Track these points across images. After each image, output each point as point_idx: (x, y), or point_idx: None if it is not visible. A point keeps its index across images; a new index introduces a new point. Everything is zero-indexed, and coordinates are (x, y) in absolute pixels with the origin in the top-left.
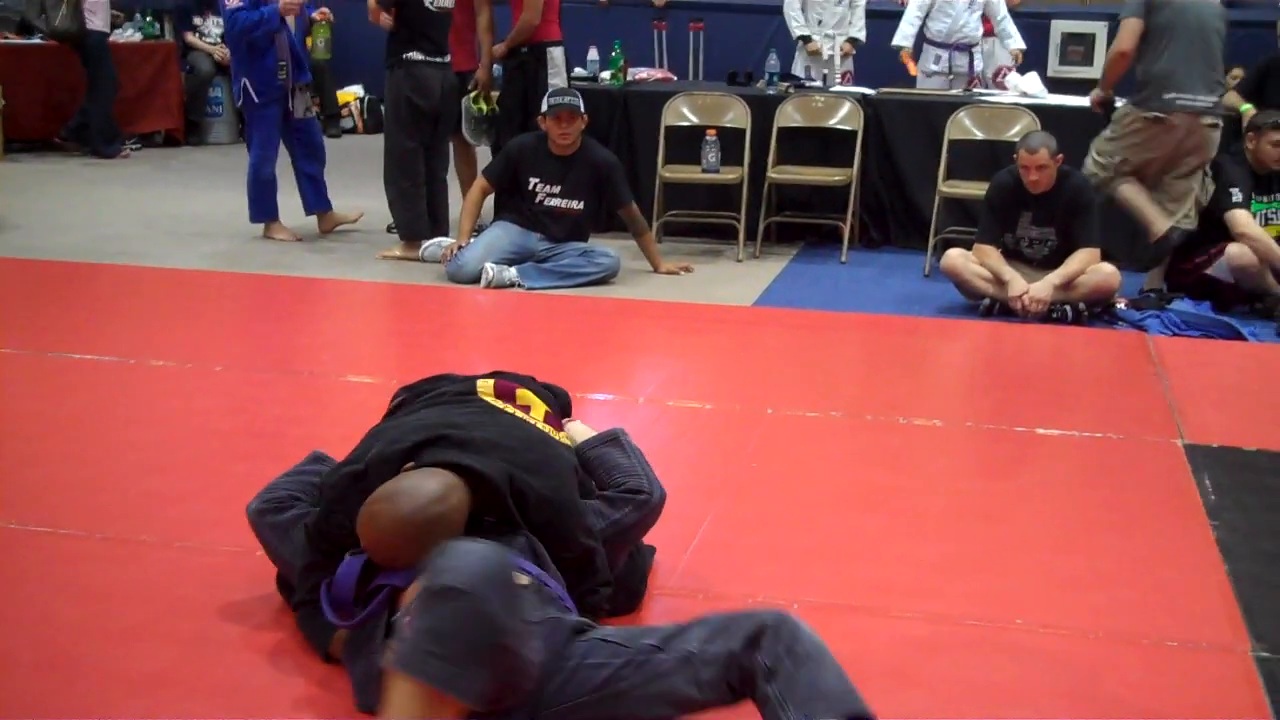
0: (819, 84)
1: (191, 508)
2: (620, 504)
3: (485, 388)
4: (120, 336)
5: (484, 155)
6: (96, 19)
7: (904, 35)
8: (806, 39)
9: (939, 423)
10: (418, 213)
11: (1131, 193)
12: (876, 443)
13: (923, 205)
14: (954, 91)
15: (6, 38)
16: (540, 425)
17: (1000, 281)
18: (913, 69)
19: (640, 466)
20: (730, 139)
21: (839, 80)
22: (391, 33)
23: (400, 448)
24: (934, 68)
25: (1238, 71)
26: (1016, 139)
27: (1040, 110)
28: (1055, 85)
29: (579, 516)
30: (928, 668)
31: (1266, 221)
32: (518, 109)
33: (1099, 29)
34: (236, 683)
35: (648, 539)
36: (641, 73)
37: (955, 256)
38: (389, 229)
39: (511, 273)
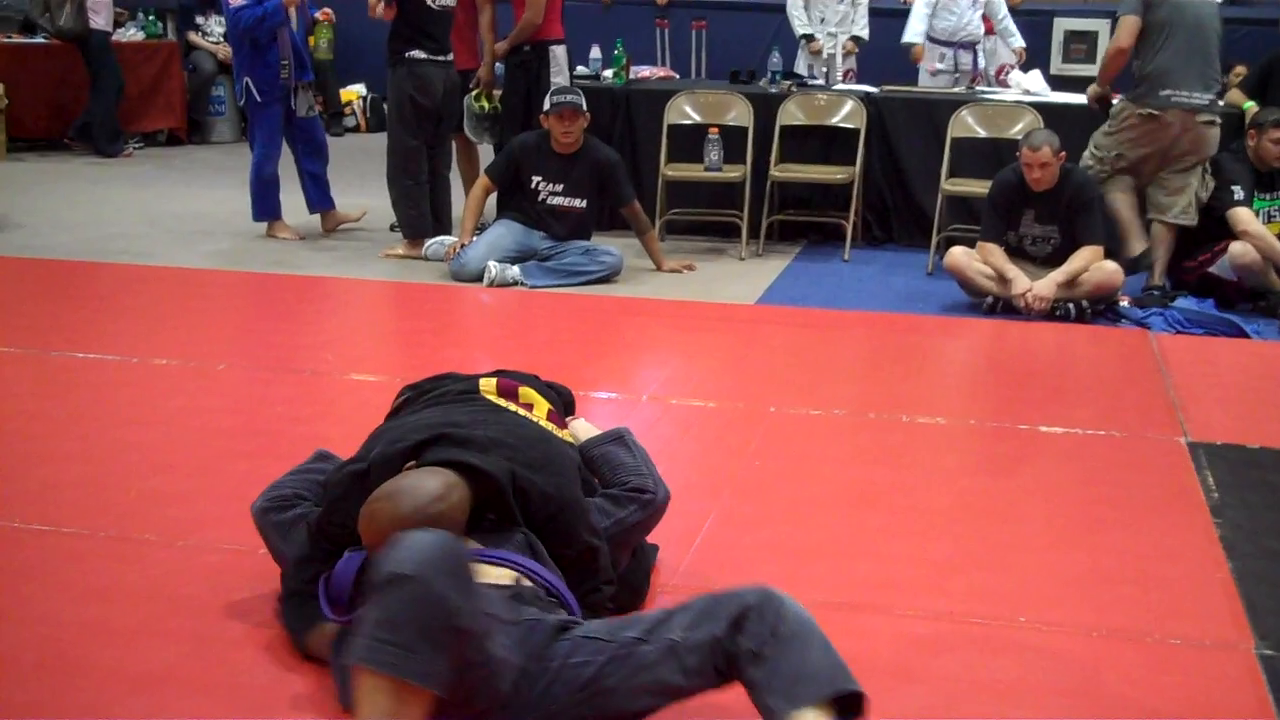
0: (821, 82)
1: (194, 506)
2: (625, 502)
3: (488, 386)
4: (123, 335)
5: (486, 153)
6: (99, 18)
7: (915, 32)
8: (809, 38)
9: (942, 421)
10: (420, 211)
11: (1122, 203)
12: (879, 441)
13: (925, 203)
14: (957, 89)
15: (10, 37)
16: (543, 423)
17: (1003, 279)
18: (918, 58)
19: (645, 466)
20: (733, 137)
21: (841, 78)
22: (393, 31)
23: (402, 447)
24: (939, 66)
25: (1241, 69)
26: (1019, 137)
27: (1043, 108)
28: (1058, 83)
29: (582, 514)
30: (931, 666)
31: (1269, 219)
32: (520, 107)
33: (1101, 26)
34: (239, 681)
35: (651, 537)
36: (644, 71)
37: (958, 254)
38: (392, 227)
39: (514, 271)
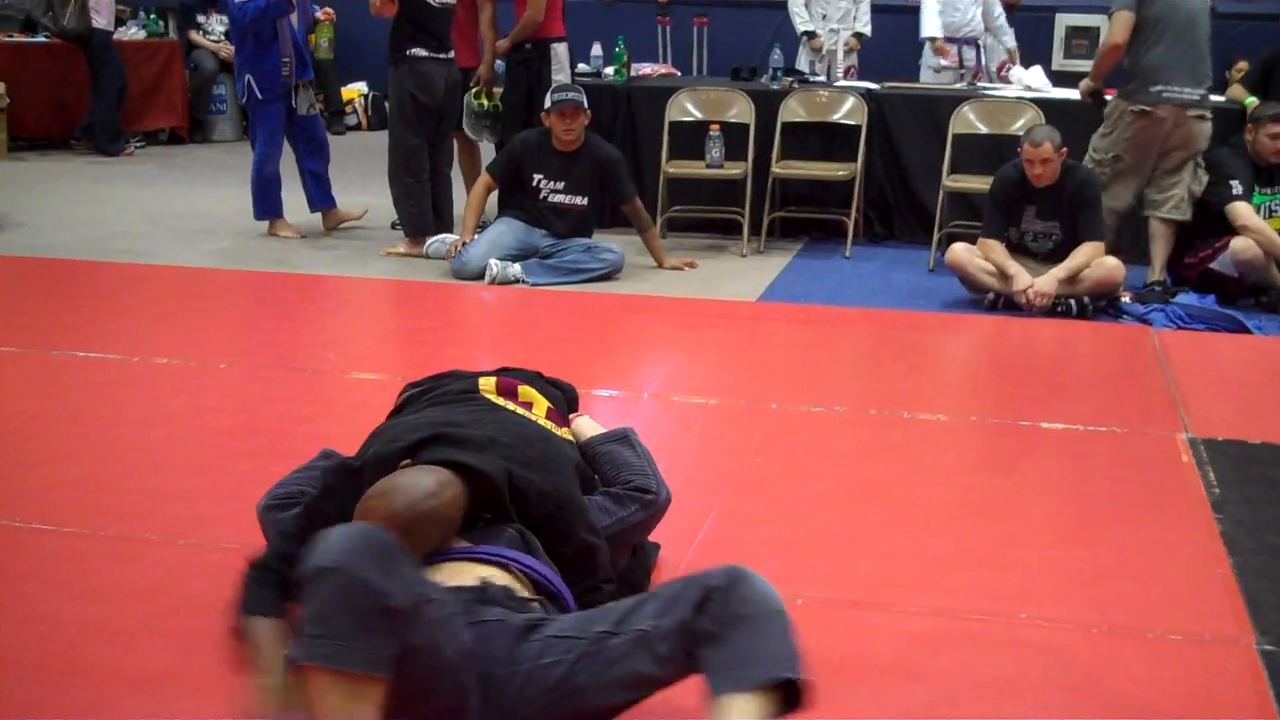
0: (823, 79)
1: (195, 505)
2: (626, 501)
3: (487, 385)
4: (124, 334)
5: (488, 151)
6: (101, 17)
7: (934, 26)
8: (811, 34)
9: (943, 417)
10: (422, 209)
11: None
12: (880, 437)
13: (927, 199)
14: (958, 86)
15: (11, 36)
16: (541, 422)
17: (1005, 275)
18: (946, 52)
19: (648, 466)
20: (734, 134)
21: (842, 75)
22: (394, 29)
23: (398, 446)
24: (944, 62)
25: (1243, 64)
26: (1020, 133)
27: (1044, 104)
28: (1059, 79)
29: (580, 512)
30: (932, 663)
31: (1270, 214)
32: (521, 105)
33: (1103, 22)
34: (239, 682)
35: (652, 535)
36: (645, 68)
37: (959, 251)
38: (393, 225)
39: (516, 269)
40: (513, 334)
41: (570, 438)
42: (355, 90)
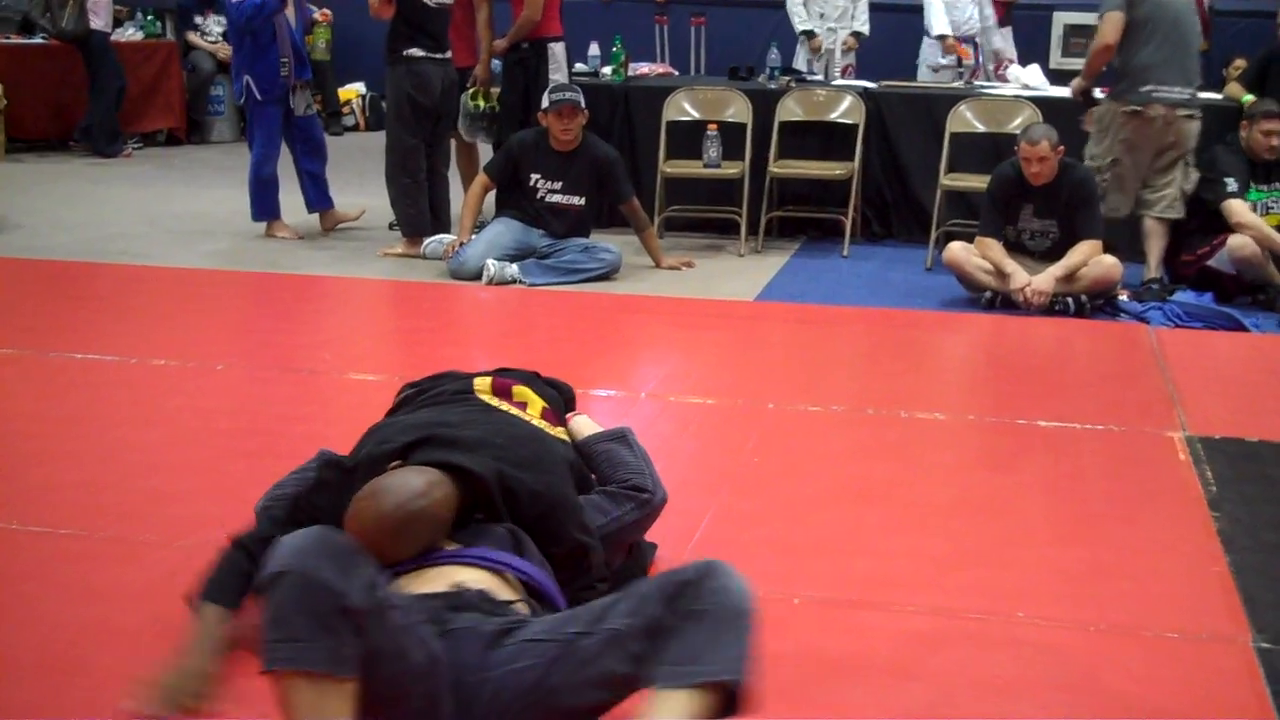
0: (820, 78)
1: (193, 506)
2: (622, 500)
3: (482, 386)
4: (122, 335)
5: (486, 151)
6: (99, 19)
7: (944, 24)
8: (810, 34)
9: (941, 416)
10: (419, 209)
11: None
12: (878, 437)
13: (924, 198)
14: (955, 84)
15: (9, 37)
16: (535, 421)
17: (1002, 274)
18: (965, 54)
19: (645, 466)
20: (731, 134)
21: (840, 74)
22: (391, 29)
23: (389, 448)
24: (943, 61)
25: (1240, 62)
26: (1018, 131)
27: (1042, 102)
28: (1057, 77)
29: (574, 512)
30: (929, 661)
31: (1267, 211)
32: (519, 105)
33: None
34: (238, 683)
35: (649, 534)
36: (643, 68)
37: (957, 249)
38: (391, 226)
39: (513, 269)
40: (510, 334)
41: (565, 437)
42: (353, 91)
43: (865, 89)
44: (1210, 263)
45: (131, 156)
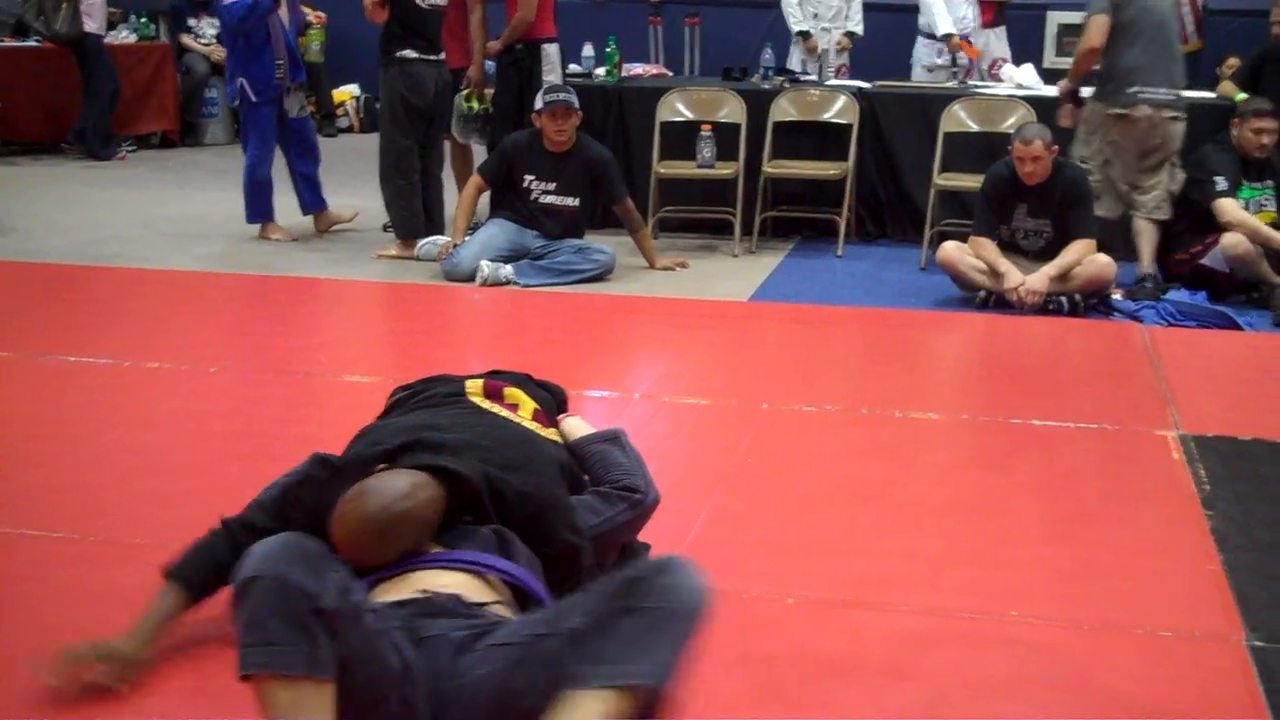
0: (814, 78)
1: (187, 509)
2: (614, 500)
3: (474, 388)
4: (116, 338)
5: (480, 153)
6: (93, 22)
7: (948, 23)
8: (805, 35)
9: (935, 416)
10: (413, 211)
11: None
12: (872, 436)
13: (918, 198)
14: (949, 84)
15: (2, 41)
16: (526, 423)
17: (996, 273)
18: (973, 53)
19: (638, 467)
20: (725, 134)
21: (834, 74)
22: (385, 31)
23: (378, 450)
24: (938, 61)
25: (1234, 60)
26: (1012, 131)
27: (1035, 102)
28: (1050, 76)
29: (563, 513)
30: (923, 661)
31: (1259, 208)
32: (513, 106)
33: None
34: (231, 684)
35: (642, 535)
36: (636, 68)
37: (951, 249)
38: (385, 228)
39: (507, 270)
40: (504, 336)
41: (557, 439)
42: (347, 92)
43: (859, 89)
44: (1204, 261)
45: (125, 159)
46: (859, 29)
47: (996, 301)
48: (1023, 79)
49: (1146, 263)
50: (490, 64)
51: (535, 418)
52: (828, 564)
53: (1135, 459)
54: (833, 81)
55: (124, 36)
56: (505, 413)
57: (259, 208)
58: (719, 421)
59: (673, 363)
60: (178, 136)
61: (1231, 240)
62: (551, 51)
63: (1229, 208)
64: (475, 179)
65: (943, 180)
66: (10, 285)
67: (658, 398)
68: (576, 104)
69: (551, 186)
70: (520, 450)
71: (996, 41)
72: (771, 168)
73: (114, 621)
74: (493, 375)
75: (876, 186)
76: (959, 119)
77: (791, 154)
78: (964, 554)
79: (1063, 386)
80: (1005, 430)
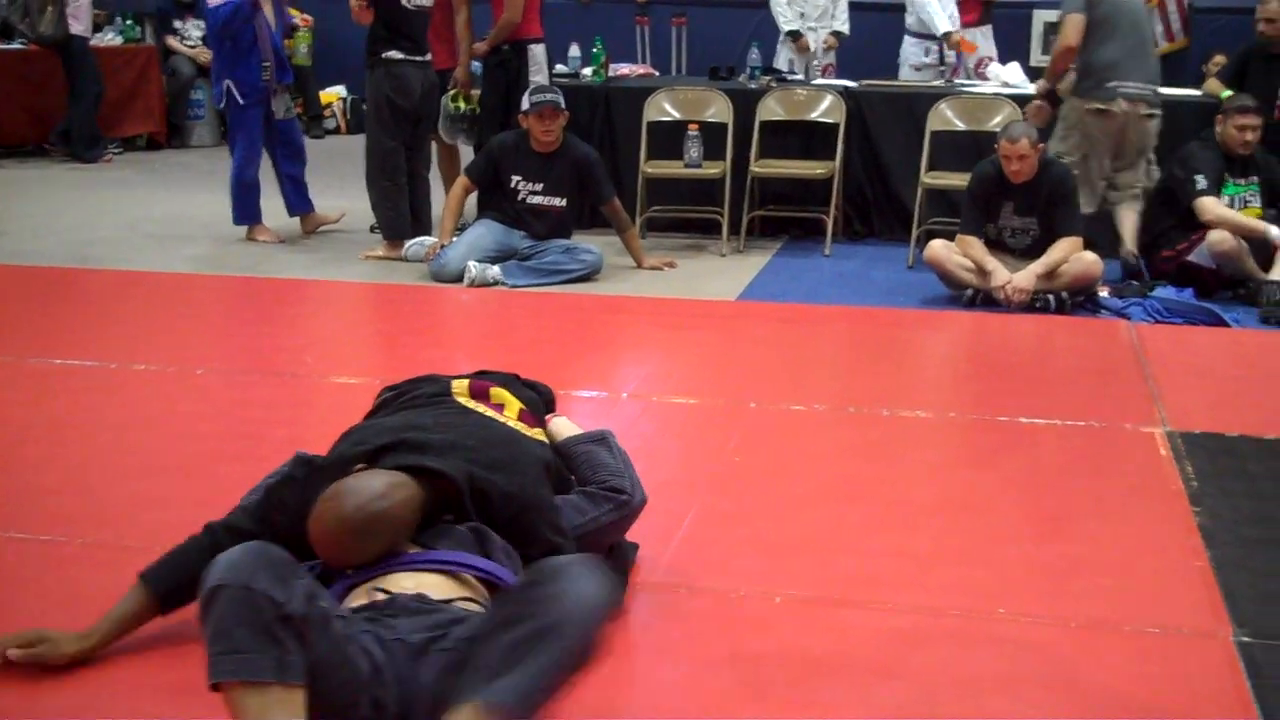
0: (801, 77)
1: (175, 511)
2: (601, 500)
3: (460, 388)
4: (102, 341)
5: (466, 154)
6: (79, 24)
7: (945, 22)
8: (796, 35)
9: (923, 414)
10: (400, 212)
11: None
12: (860, 435)
13: (905, 197)
14: (935, 83)
15: None
16: (511, 423)
17: (983, 272)
18: (969, 47)
19: (625, 468)
20: (712, 134)
21: (820, 73)
22: (371, 33)
23: (361, 450)
24: (925, 60)
25: (1220, 58)
26: (998, 129)
27: (1021, 100)
28: (1037, 75)
29: (547, 512)
30: (911, 659)
31: (1244, 205)
32: (499, 107)
33: None
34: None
35: (630, 534)
36: (623, 68)
37: (938, 247)
38: (372, 229)
39: (494, 271)
40: (492, 336)
41: (543, 439)
42: (333, 94)
43: (846, 88)
44: (1190, 258)
45: (112, 161)
46: (845, 28)
47: (984, 300)
48: (1009, 77)
49: (1129, 243)
50: (476, 65)
51: (521, 418)
52: (816, 563)
53: (1122, 456)
54: (819, 81)
55: (109, 39)
56: (491, 413)
57: (246, 209)
58: (707, 421)
59: (660, 362)
60: (164, 138)
61: (1217, 237)
62: (538, 52)
63: (1209, 206)
64: (462, 180)
65: (930, 179)
66: None
67: (646, 397)
68: (563, 104)
69: (539, 187)
70: (505, 450)
71: (983, 40)
72: (759, 167)
73: None
74: (480, 375)
75: (863, 185)
76: (946, 118)
77: (778, 153)
78: (952, 552)
79: (1050, 384)
80: (993, 428)
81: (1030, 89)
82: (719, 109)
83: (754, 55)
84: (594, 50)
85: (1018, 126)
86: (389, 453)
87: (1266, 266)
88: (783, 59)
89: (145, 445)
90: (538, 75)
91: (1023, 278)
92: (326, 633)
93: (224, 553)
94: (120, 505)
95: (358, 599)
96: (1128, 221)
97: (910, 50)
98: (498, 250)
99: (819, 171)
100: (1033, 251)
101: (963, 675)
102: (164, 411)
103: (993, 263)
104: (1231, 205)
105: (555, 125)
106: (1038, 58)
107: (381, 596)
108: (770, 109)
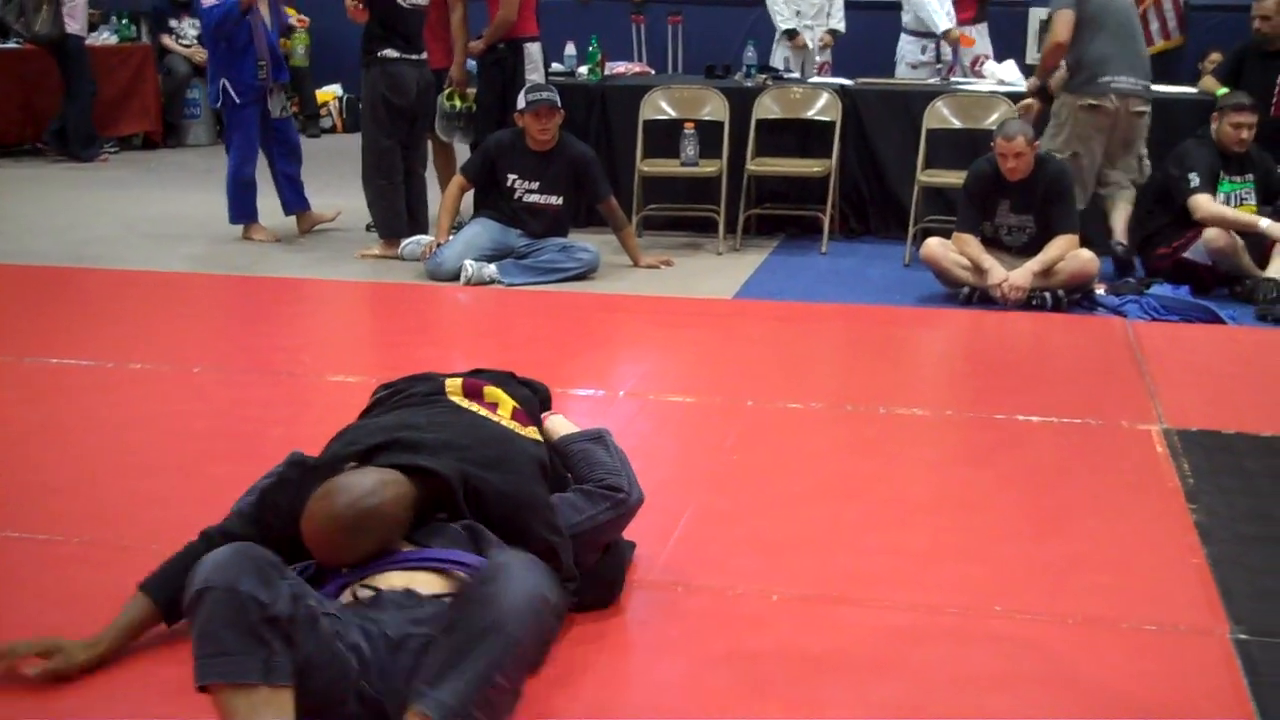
0: (797, 75)
1: (171, 510)
2: (597, 499)
3: (453, 387)
4: (98, 340)
5: (462, 152)
6: (75, 23)
7: (942, 18)
8: (792, 33)
9: (920, 412)
10: (396, 211)
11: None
12: (857, 433)
13: (902, 195)
14: (931, 81)
15: None
16: (505, 422)
17: (980, 270)
18: (968, 41)
19: (622, 467)
20: (709, 132)
21: (816, 71)
22: (366, 31)
23: (353, 450)
24: (922, 58)
25: (1215, 56)
26: (994, 127)
27: (1017, 98)
28: (1033, 72)
29: (541, 511)
30: (908, 657)
31: (1240, 202)
32: (495, 105)
33: None
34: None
35: (627, 533)
36: (619, 67)
37: (934, 245)
38: (368, 228)
39: (491, 269)
40: (488, 334)
41: (538, 437)
42: (330, 93)
43: (841, 86)
44: (1186, 255)
45: (108, 160)
46: (841, 26)
47: (980, 298)
48: (1005, 75)
49: (1119, 233)
50: (472, 63)
51: (515, 416)
52: (813, 561)
53: (1119, 454)
54: (815, 79)
55: (105, 38)
56: (484, 412)
57: (242, 208)
58: (704, 419)
59: (657, 361)
60: (160, 138)
61: (1213, 233)
62: (534, 50)
63: (1203, 203)
64: (458, 178)
65: (926, 177)
66: None
67: (642, 396)
68: (559, 103)
69: (535, 185)
70: (498, 449)
71: (979, 38)
72: (755, 165)
73: (99, 622)
74: (474, 374)
75: (860, 183)
76: (942, 116)
77: (775, 151)
78: (949, 550)
79: (1047, 382)
80: (990, 426)
81: (1025, 86)
82: (715, 107)
83: (750, 53)
84: (590, 48)
85: (1014, 124)
86: (382, 452)
87: (1263, 263)
88: (779, 57)
89: (142, 444)
90: (533, 74)
91: (1019, 275)
92: (314, 632)
93: (209, 555)
94: (118, 504)
95: (348, 597)
96: (1119, 215)
97: (907, 48)
98: (494, 249)
99: (815, 169)
100: (1029, 249)
101: (960, 672)
102: (161, 410)
103: (989, 260)
104: (1228, 203)
105: (551, 124)
106: (1033, 55)
107: (369, 594)
108: (766, 107)
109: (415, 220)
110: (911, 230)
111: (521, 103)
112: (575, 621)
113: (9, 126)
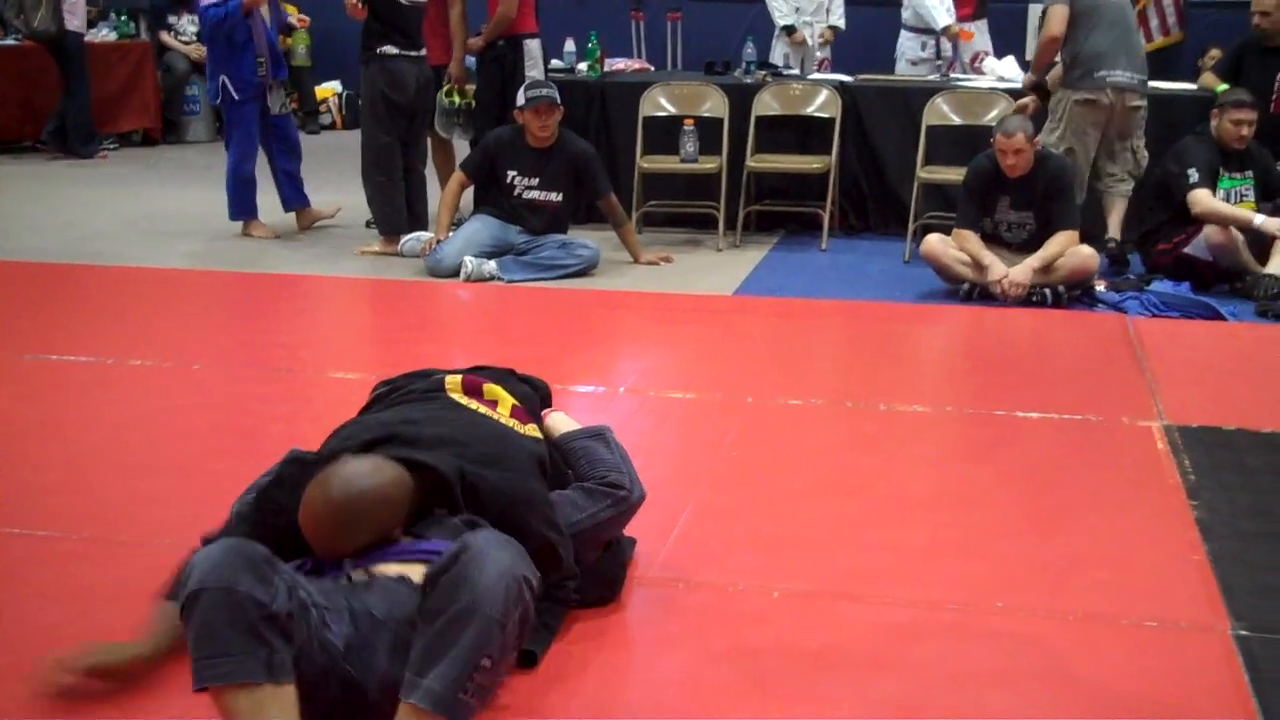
0: (796, 72)
1: (171, 507)
2: (599, 496)
3: (453, 384)
4: (98, 336)
5: (462, 148)
6: (74, 20)
7: (942, 14)
8: (791, 29)
9: (920, 408)
10: (395, 207)
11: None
12: (857, 429)
13: (902, 191)
14: (931, 77)
15: None
16: (504, 420)
17: (980, 266)
18: (966, 35)
19: (623, 464)
20: (708, 128)
21: (816, 68)
22: (365, 28)
23: (351, 445)
24: (922, 54)
25: (1215, 52)
26: (994, 123)
27: (1017, 94)
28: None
29: (540, 508)
30: (908, 654)
31: (1240, 199)
32: (495, 102)
33: None
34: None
35: (628, 529)
36: (618, 63)
37: (934, 242)
38: (367, 224)
39: (491, 266)
40: (488, 331)
41: (537, 434)
42: (329, 89)
43: (841, 82)
44: (1186, 250)
45: (107, 157)
46: (840, 22)
47: (980, 294)
48: (1004, 71)
49: (1114, 229)
50: (471, 60)
51: (514, 414)
52: (813, 557)
53: (1120, 450)
54: (815, 75)
55: (104, 34)
56: (483, 409)
57: (242, 205)
58: (704, 416)
59: (658, 357)
60: (159, 134)
61: (1213, 229)
62: (533, 47)
63: (1202, 199)
64: (458, 175)
65: (926, 173)
66: None
67: (643, 392)
68: (559, 100)
69: (535, 182)
70: (496, 446)
71: (978, 34)
72: (755, 162)
73: (98, 619)
74: (473, 371)
75: (859, 180)
76: (941, 112)
77: (774, 148)
78: (949, 546)
79: (1047, 378)
80: (990, 422)
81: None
82: (715, 104)
83: (749, 50)
84: (589, 45)
85: (1013, 120)
86: (379, 447)
87: (1263, 259)
88: (778, 53)
89: (142, 441)
90: (533, 70)
91: (1019, 272)
92: (305, 621)
93: (201, 553)
94: (118, 501)
95: (343, 581)
96: (1115, 209)
97: (906, 45)
98: (494, 245)
99: (815, 166)
100: (1029, 245)
101: (960, 669)
102: (161, 407)
103: (989, 257)
104: (1227, 199)
105: (551, 120)
106: (1033, 51)
107: (363, 578)
108: (766, 104)
109: (415, 217)
110: (911, 226)
111: (521, 99)
112: (576, 618)
113: (8, 123)
